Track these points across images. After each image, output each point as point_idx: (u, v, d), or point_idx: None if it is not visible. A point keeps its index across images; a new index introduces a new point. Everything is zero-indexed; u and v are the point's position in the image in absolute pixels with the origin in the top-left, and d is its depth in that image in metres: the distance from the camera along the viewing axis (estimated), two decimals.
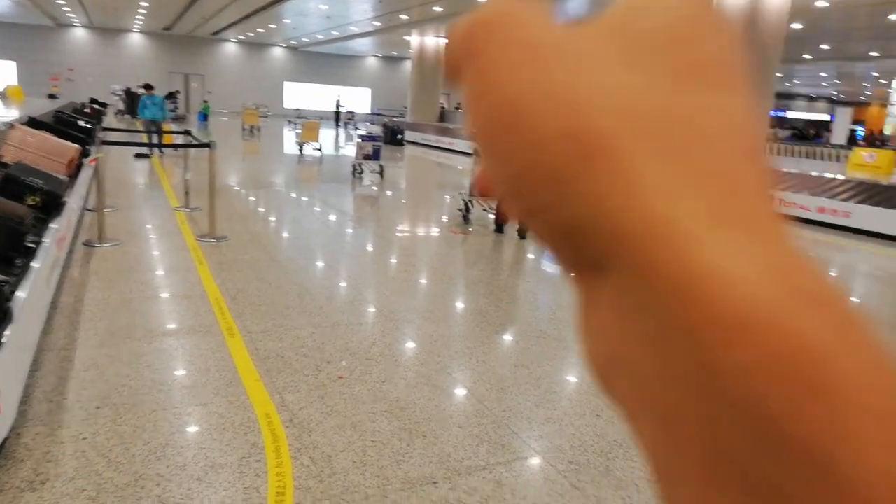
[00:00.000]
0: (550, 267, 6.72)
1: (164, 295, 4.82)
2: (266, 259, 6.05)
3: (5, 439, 2.62)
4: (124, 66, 35.01)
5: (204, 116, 28.62)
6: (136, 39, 36.08)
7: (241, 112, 26.61)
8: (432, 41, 27.39)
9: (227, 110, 37.01)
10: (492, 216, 8.27)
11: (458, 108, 36.44)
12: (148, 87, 14.26)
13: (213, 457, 2.69)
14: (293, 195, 10.54)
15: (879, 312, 6.00)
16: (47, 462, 2.57)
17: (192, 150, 8.89)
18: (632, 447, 3.00)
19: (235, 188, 10.55)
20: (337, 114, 32.95)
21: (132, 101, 23.46)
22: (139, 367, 3.50)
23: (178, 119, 26.77)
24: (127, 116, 26.48)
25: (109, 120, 22.11)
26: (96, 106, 21.11)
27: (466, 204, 8.12)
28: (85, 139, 9.12)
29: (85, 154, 7.54)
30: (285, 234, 7.39)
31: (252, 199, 9.79)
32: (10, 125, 6.32)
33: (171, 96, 29.21)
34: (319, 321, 4.43)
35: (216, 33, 34.59)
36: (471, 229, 7.69)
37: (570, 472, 2.76)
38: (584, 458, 2.89)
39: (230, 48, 38.40)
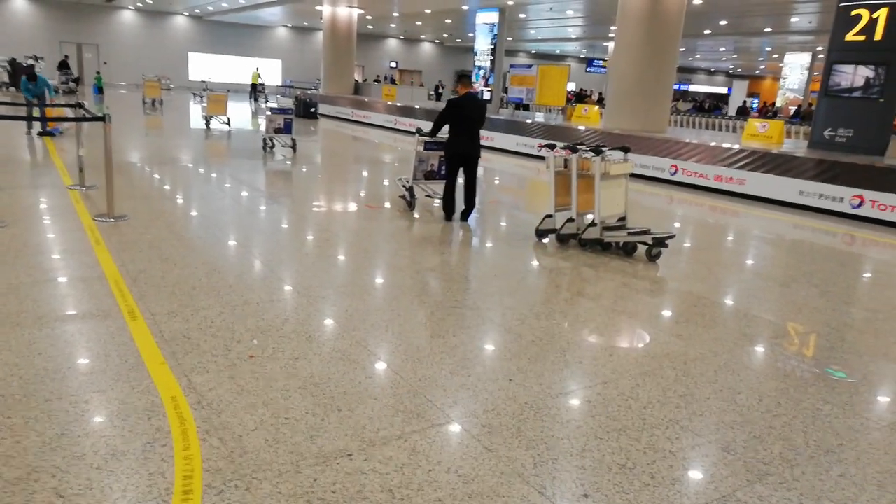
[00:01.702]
0: (466, 239, 6.80)
1: (58, 279, 4.53)
2: (171, 238, 5.79)
3: None
4: (9, 35, 32.13)
5: (98, 89, 26.81)
6: (20, 5, 33.13)
7: (141, 84, 25.08)
8: (345, 12, 26.69)
9: (125, 83, 34.80)
10: (437, 203, 8.10)
11: (376, 81, 35.84)
12: (31, 75, 12.58)
13: (114, 444, 2.57)
14: (200, 171, 10.10)
15: (771, 272, 6.45)
16: None
17: (86, 126, 8.32)
18: (542, 408, 3.11)
19: (137, 165, 9.99)
20: (254, 86, 31.54)
21: (16, 74, 21.59)
22: (30, 356, 3.28)
23: (70, 92, 24.96)
24: (12, 90, 24.42)
25: None
26: None
27: (410, 189, 7.82)
28: None
29: None
30: (192, 212, 7.09)
31: (155, 176, 9.30)
32: None
33: (64, 66, 27.18)
34: (229, 300, 4.29)
35: (111, 0, 32.29)
36: (416, 215, 7.55)
37: (483, 436, 2.82)
38: (497, 420, 2.96)
39: (127, 16, 35.96)
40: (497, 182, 11.81)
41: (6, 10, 32.79)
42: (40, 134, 12.50)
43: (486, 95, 22.08)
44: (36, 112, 12.53)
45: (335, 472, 2.50)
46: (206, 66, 38.06)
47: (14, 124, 13.25)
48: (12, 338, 3.48)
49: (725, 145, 11.74)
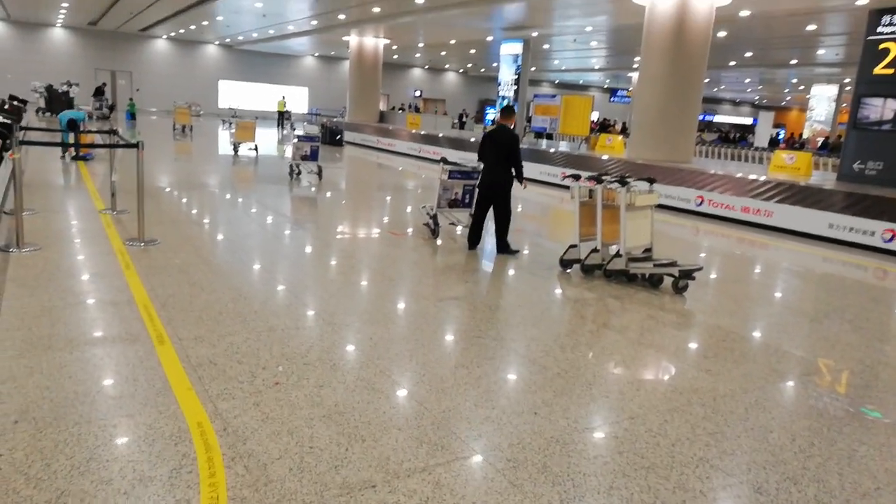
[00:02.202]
0: (490, 268, 6.79)
1: (89, 302, 4.61)
2: (198, 263, 5.87)
3: None
4: (46, 63, 33.25)
5: (131, 115, 27.54)
6: (58, 34, 34.33)
7: (171, 111, 25.71)
8: (371, 42, 27.21)
9: (156, 109, 35.70)
10: (459, 230, 8.13)
11: (401, 109, 36.35)
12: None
13: (141, 470, 2.58)
14: (228, 197, 10.27)
15: (801, 306, 6.33)
16: None
17: (119, 151, 8.53)
18: (568, 443, 3.06)
19: (166, 190, 10.19)
20: (280, 114, 32.18)
21: (52, 100, 22.27)
22: (61, 379, 3.33)
23: (103, 118, 25.66)
24: (48, 114, 25.18)
25: (30, 118, 20.98)
26: (16, 103, 20.03)
27: (434, 217, 7.82)
28: (4, 134, 8.71)
29: (5, 148, 7.20)
30: (219, 237, 7.19)
31: (184, 201, 9.48)
32: None
33: (100, 93, 27.97)
34: (254, 326, 4.32)
35: (145, 29, 33.30)
36: (439, 242, 7.58)
37: (508, 470, 2.78)
38: (522, 455, 2.92)
39: (160, 45, 37.04)
40: (520, 210, 11.82)
41: (46, 38, 34.00)
42: (74, 158, 12.84)
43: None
44: (72, 138, 12.90)
45: (359, 503, 2.47)
46: (235, 94, 38.94)
47: (49, 149, 13.63)
48: (44, 360, 3.54)
49: (752, 176, 11.64)
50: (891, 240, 9.08)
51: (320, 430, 3.01)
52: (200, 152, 18.21)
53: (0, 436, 2.75)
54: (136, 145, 6.66)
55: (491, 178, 7.14)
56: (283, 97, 33.70)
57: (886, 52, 10.96)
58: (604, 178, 6.32)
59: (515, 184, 7.16)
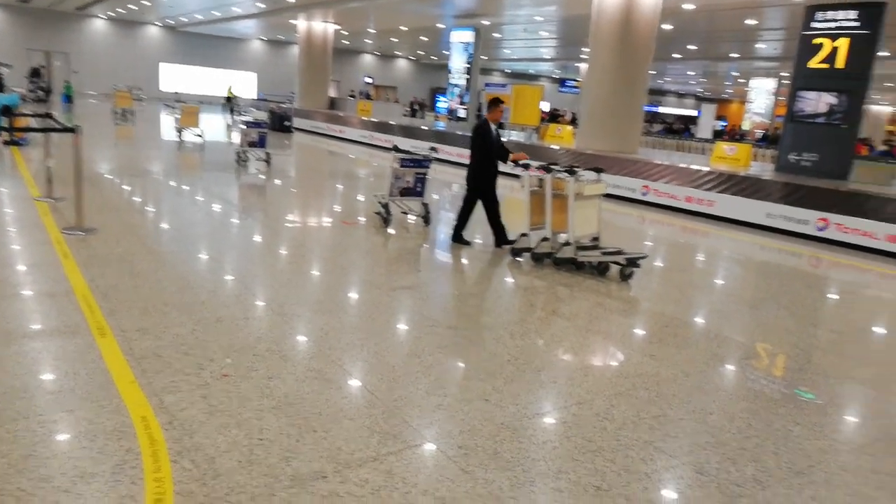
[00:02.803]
0: (442, 257, 6.80)
1: (24, 293, 4.41)
2: (142, 252, 5.69)
3: None
4: None
5: (68, 98, 26.34)
6: None
7: (112, 94, 24.70)
8: (320, 26, 26.73)
9: (96, 92, 34.25)
10: (412, 219, 8.15)
11: (351, 96, 35.86)
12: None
13: (82, 466, 2.50)
14: (172, 184, 9.96)
15: (740, 293, 6.58)
16: None
17: (56, 136, 8.16)
18: (518, 429, 3.11)
19: (107, 177, 9.82)
20: (228, 99, 31.19)
21: None
22: None
23: (39, 101, 24.47)
24: None
25: None
26: None
27: (386, 206, 7.75)
28: None
29: None
30: (164, 226, 6.98)
31: (126, 188, 9.15)
32: None
33: (36, 74, 26.64)
34: (202, 317, 4.23)
35: (82, 8, 31.82)
36: (392, 231, 7.52)
37: (459, 457, 2.81)
38: (473, 441, 2.96)
39: (99, 25, 35.47)
40: None
41: None
42: (7, 144, 12.22)
43: (462, 113, 22.25)
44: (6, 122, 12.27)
45: (310, 494, 2.46)
46: (178, 78, 37.66)
47: None
48: None
49: (695, 167, 11.99)
50: (823, 228, 9.51)
51: (270, 421, 2.97)
52: (143, 138, 17.59)
53: None
54: (72, 130, 6.38)
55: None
56: (231, 84, 32.80)
57: (820, 46, 11.41)
58: (553, 167, 6.41)
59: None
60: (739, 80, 36.22)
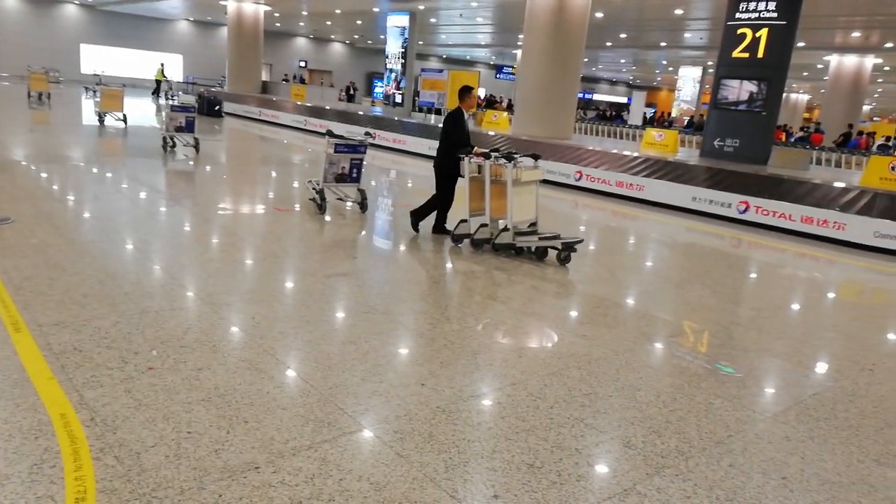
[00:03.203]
0: (379, 244, 6.76)
1: None
2: (60, 243, 5.40)
3: None
4: None
5: None
6: None
7: (26, 77, 23.25)
8: (251, 8, 25.91)
9: (8, 74, 32.15)
10: (348, 206, 8.01)
11: (284, 80, 34.98)
12: None
13: None
14: (94, 171, 9.49)
15: (667, 274, 6.83)
16: None
17: None
18: (453, 412, 3.14)
19: (21, 163, 9.26)
20: (158, 83, 29.78)
21: None
22: None
23: None
24: None
25: None
26: None
27: (321, 192, 7.62)
28: None
29: None
30: (85, 215, 6.65)
31: (43, 175, 8.66)
32: None
33: None
34: (125, 309, 4.06)
35: None
36: (328, 218, 7.38)
37: (395, 442, 2.82)
38: (409, 426, 2.96)
39: (10, 3, 33.26)
40: (410, 185, 11.84)
41: None
42: None
43: (399, 98, 22.09)
44: None
45: (242, 486, 2.42)
46: (99, 59, 35.77)
47: None
48: None
49: (626, 153, 12.32)
50: (744, 211, 9.96)
51: (199, 414, 2.89)
52: (61, 122, 16.65)
53: None
54: None
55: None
56: (162, 65, 31.39)
57: (744, 36, 11.89)
58: (492, 154, 6.45)
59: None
60: (669, 69, 37.36)
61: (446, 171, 6.91)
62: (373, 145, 8.15)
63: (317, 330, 4.06)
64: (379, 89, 33.49)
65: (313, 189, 7.81)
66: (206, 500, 2.31)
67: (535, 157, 6.76)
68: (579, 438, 3.01)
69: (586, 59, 30.43)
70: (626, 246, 8.28)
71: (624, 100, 51.05)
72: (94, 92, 20.83)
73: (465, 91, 6.97)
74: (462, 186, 6.65)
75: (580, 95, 17.31)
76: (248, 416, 2.92)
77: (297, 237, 6.66)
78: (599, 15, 19.35)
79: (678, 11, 18.80)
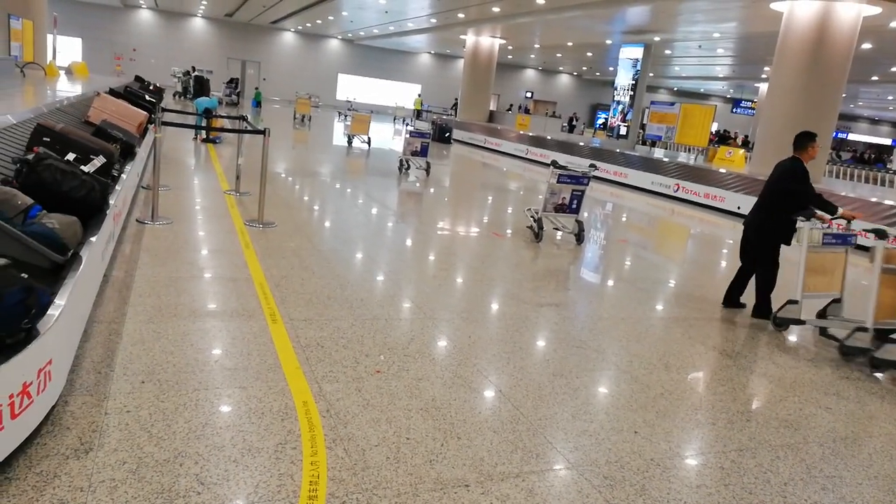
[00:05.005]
0: (592, 277, 6.63)
1: (211, 276, 4.92)
2: (310, 248, 6.12)
3: (53, 407, 2.70)
4: (185, 50, 35.92)
5: (257, 103, 29.20)
6: (198, 24, 36.96)
7: (293, 101, 27.01)
8: (487, 41, 27.33)
9: (279, 98, 37.62)
10: (559, 236, 8.02)
11: (509, 110, 36.30)
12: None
13: (250, 440, 2.73)
14: (338, 186, 10.65)
15: None
16: (92, 432, 2.64)
17: (246, 137, 9.05)
18: (669, 468, 2.93)
19: (283, 175, 10.71)
20: (418, 112, 33.26)
21: (201, 85, 23.93)
22: (183, 346, 3.58)
23: (232, 105, 27.36)
24: (184, 98, 27.14)
25: (167, 101, 22.69)
26: (158, 85, 21.83)
27: (539, 221, 7.71)
28: (150, 110, 9.96)
29: (150, 121, 8.45)
30: (329, 225, 7.47)
31: (298, 187, 9.92)
32: (97, 93, 8.35)
33: (233, 82, 29.89)
34: (360, 313, 4.45)
35: (276, 22, 35.16)
36: (542, 246, 7.50)
37: (604, 488, 2.70)
38: (620, 474, 2.83)
39: (287, 37, 39.01)
40: (625, 220, 11.49)
41: (186, 27, 36.70)
42: (204, 141, 13.77)
43: (623, 131, 21.63)
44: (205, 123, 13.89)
45: (452, 501, 2.49)
46: (352, 87, 40.35)
47: (181, 131, 14.70)
48: (170, 327, 3.82)
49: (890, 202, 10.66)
50: None
51: (417, 422, 3.05)
52: (317, 142, 19.02)
53: (129, 393, 2.99)
54: (263, 132, 7.04)
55: (748, 217, 5.86)
56: (419, 95, 34.64)
57: None
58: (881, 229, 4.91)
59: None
60: None
61: (769, 237, 5.56)
62: (593, 177, 8.05)
63: (528, 358, 4.08)
64: (601, 121, 33.15)
65: (531, 217, 7.92)
66: None
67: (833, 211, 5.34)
68: None
69: (844, 95, 27.13)
70: None
71: (887, 141, 44.53)
72: (346, 116, 23.46)
73: (807, 138, 5.47)
74: (792, 260, 5.48)
75: (833, 135, 15.33)
76: (461, 432, 3.01)
77: (513, 263, 6.79)
78: (867, 46, 17.15)
79: None
